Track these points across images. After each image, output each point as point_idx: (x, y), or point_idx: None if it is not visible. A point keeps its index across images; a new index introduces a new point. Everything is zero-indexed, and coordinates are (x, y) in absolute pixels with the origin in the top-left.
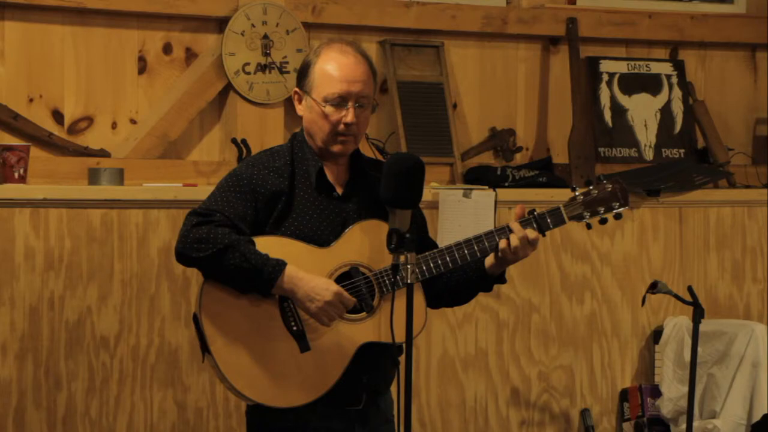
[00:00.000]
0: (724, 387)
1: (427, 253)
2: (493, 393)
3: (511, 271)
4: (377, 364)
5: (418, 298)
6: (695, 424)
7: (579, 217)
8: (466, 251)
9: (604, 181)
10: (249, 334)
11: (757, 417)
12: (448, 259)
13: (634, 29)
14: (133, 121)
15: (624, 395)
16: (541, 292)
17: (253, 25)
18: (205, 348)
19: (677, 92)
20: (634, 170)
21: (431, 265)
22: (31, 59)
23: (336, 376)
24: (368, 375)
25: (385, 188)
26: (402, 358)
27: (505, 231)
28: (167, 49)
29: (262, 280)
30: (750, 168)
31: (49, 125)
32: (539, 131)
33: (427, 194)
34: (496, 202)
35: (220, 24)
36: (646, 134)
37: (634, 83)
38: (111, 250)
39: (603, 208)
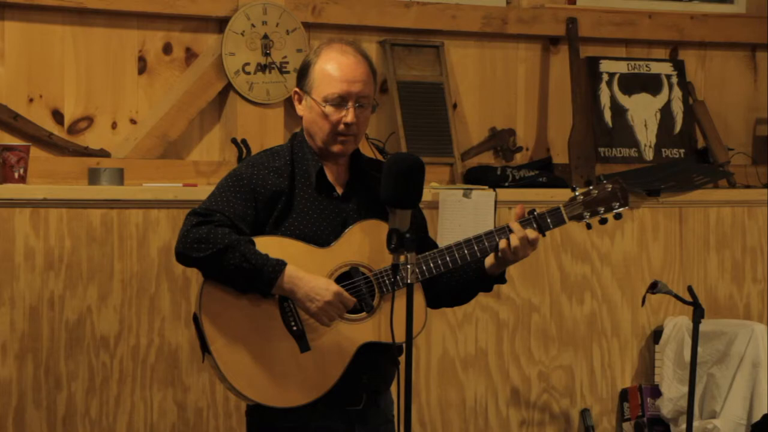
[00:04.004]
0: (724, 387)
1: (427, 253)
2: (493, 393)
3: (511, 271)
4: (377, 364)
5: (418, 298)
6: (695, 424)
7: (579, 217)
8: (466, 251)
9: (604, 181)
10: (249, 334)
11: (757, 417)
12: (448, 259)
13: (634, 29)
14: (133, 121)
15: (624, 395)
16: (541, 292)
17: (253, 25)
18: (205, 348)
19: (677, 92)
20: (634, 170)
21: (431, 265)
22: (31, 59)
23: (336, 376)
24: (368, 375)
25: (385, 188)
26: (402, 358)
27: (505, 231)
28: (167, 49)
29: (262, 280)
30: (750, 168)
31: (49, 125)
32: (539, 131)
33: (427, 194)
34: (496, 202)
35: (220, 24)
36: (646, 134)
37: (634, 83)
38: (111, 250)
39: (603, 208)
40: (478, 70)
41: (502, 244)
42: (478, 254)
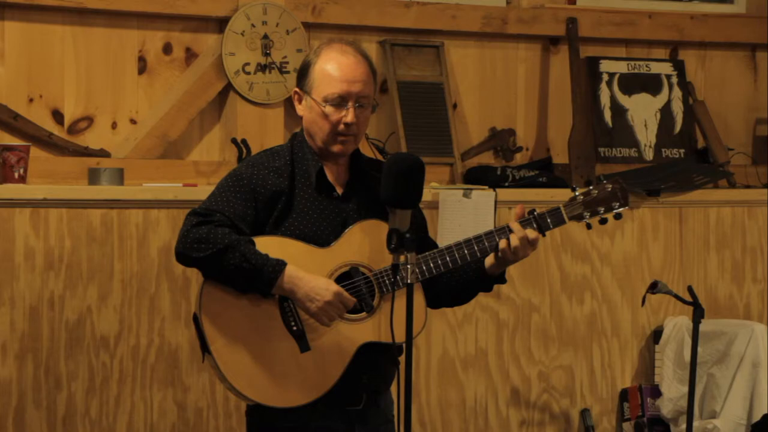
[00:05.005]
0: (724, 387)
1: (427, 253)
2: (493, 393)
3: (511, 271)
4: (377, 364)
5: (418, 298)
6: (695, 424)
7: (579, 217)
8: (466, 251)
9: (604, 181)
10: (249, 334)
11: (757, 417)
12: (448, 259)
13: (634, 29)
14: (133, 121)
15: (624, 395)
16: (541, 292)
17: (253, 25)
18: (205, 348)
19: (677, 92)
20: (634, 170)
21: (431, 265)
22: (31, 59)
23: (336, 376)
24: (368, 375)
25: (385, 188)
26: (402, 358)
27: (505, 231)
28: (167, 49)
29: (262, 280)
30: (750, 168)
31: (49, 125)
32: (539, 131)
33: (427, 194)
34: (496, 202)
35: (220, 24)
36: (646, 134)
37: (634, 83)
38: (111, 250)
39: (603, 208)
40: (478, 70)
41: (502, 244)
42: (478, 254)
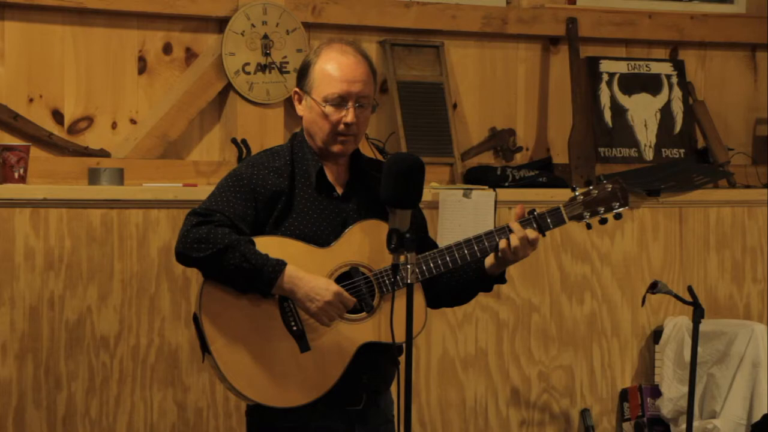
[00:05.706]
0: (724, 387)
1: (427, 253)
2: (493, 393)
3: (511, 271)
4: (377, 364)
5: (418, 298)
6: (695, 424)
7: (579, 217)
8: (466, 251)
9: (604, 181)
10: (249, 334)
11: (757, 417)
12: (448, 259)
13: (634, 29)
14: (133, 121)
15: (624, 395)
16: (541, 292)
17: (253, 25)
18: (205, 348)
19: (677, 92)
20: (634, 170)
21: (431, 265)
22: (31, 59)
23: (336, 376)
24: (368, 375)
25: (385, 188)
26: (402, 358)
27: (505, 231)
28: (167, 49)
29: (262, 280)
30: (750, 168)
31: (49, 125)
32: (539, 131)
33: (427, 194)
34: (496, 202)
35: (220, 24)
36: (646, 134)
37: (634, 83)
38: (111, 250)
39: (603, 208)
40: (478, 70)
41: (502, 244)
42: (478, 254)
